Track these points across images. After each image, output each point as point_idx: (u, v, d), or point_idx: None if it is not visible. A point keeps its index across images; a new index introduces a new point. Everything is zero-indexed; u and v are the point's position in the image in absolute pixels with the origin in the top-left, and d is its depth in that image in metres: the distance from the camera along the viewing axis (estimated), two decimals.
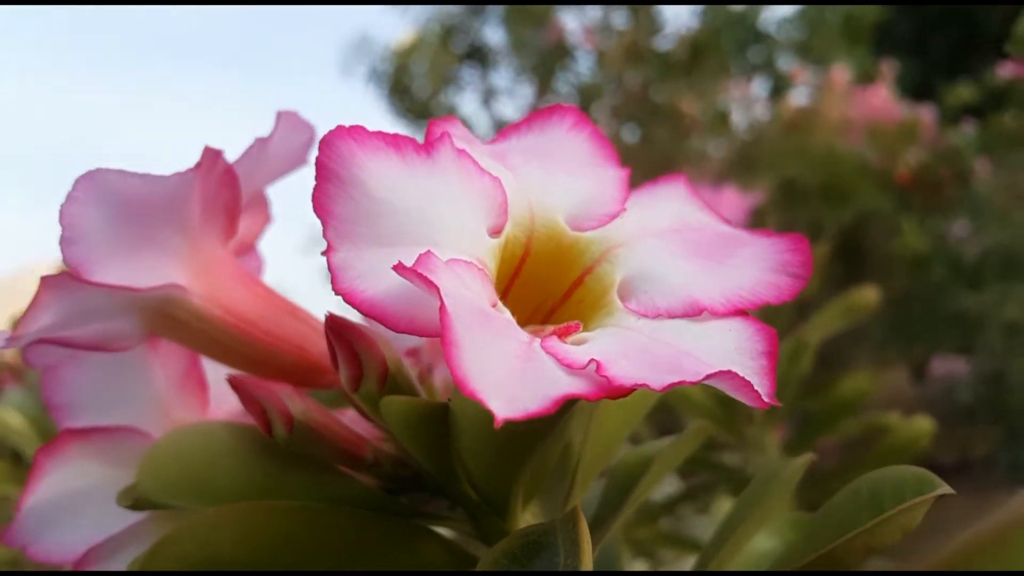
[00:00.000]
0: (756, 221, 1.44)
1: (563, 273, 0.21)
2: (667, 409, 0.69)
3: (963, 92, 3.62)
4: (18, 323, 0.23)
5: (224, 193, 0.24)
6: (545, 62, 2.38)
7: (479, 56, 2.62)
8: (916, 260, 2.55)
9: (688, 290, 0.20)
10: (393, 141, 0.20)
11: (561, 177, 0.21)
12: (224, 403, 0.31)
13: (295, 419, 0.24)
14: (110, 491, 0.28)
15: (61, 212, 0.21)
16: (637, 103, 2.52)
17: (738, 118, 2.87)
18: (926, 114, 3.23)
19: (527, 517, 0.26)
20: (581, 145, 0.22)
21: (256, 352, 0.25)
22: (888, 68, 3.59)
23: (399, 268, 0.17)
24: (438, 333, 0.19)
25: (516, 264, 0.21)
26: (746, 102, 2.73)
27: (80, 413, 0.28)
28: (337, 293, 0.19)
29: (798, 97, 2.96)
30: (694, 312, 0.19)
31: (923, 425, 0.67)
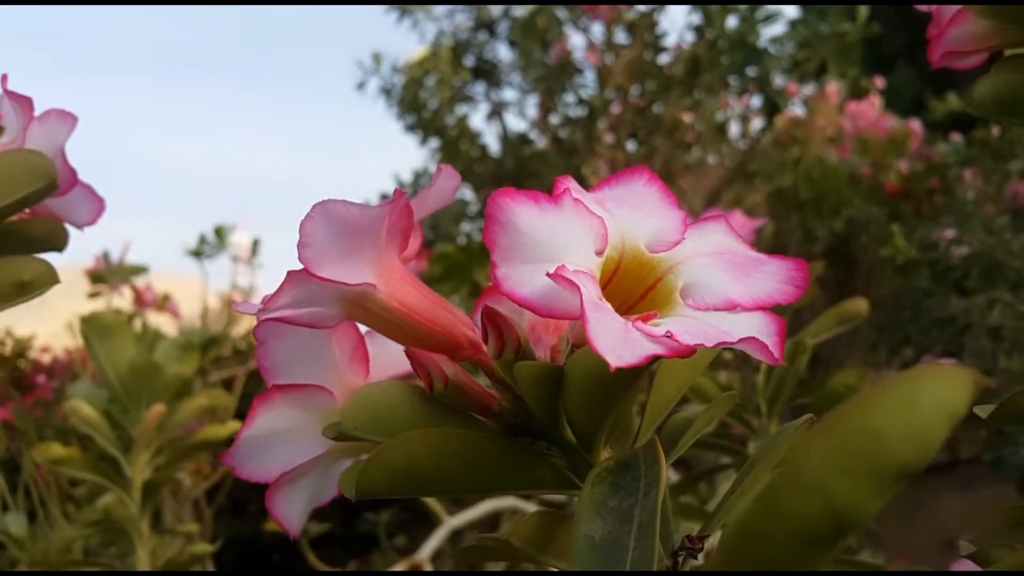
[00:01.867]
0: (756, 237, 1.54)
1: (642, 280, 0.32)
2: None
3: (950, 104, 3.73)
4: (268, 302, 0.33)
5: (403, 221, 0.35)
6: (551, 79, 2.50)
7: (487, 72, 2.73)
8: (905, 266, 2.64)
9: (727, 293, 0.31)
10: (533, 196, 0.31)
11: (641, 217, 0.32)
12: (379, 371, 0.42)
13: (449, 379, 0.35)
14: (301, 431, 0.39)
15: (301, 225, 0.32)
16: (639, 116, 2.63)
17: (736, 130, 2.97)
18: (915, 126, 3.34)
19: (605, 454, 0.37)
20: (654, 195, 0.33)
21: (419, 332, 0.36)
22: (879, 81, 3.71)
23: (552, 276, 0.28)
24: (567, 316, 0.29)
25: (611, 274, 0.32)
26: (745, 114, 2.84)
27: (282, 373, 0.39)
28: (502, 294, 0.30)
29: (792, 109, 3.07)
30: (730, 307, 0.30)
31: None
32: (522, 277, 0.30)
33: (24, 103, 0.48)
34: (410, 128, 2.75)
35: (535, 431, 0.37)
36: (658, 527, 0.26)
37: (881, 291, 3.01)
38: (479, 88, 2.76)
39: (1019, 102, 0.44)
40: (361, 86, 2.76)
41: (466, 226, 2.75)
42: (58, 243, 0.50)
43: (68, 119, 0.49)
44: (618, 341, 0.27)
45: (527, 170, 2.58)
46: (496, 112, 2.73)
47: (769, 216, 2.92)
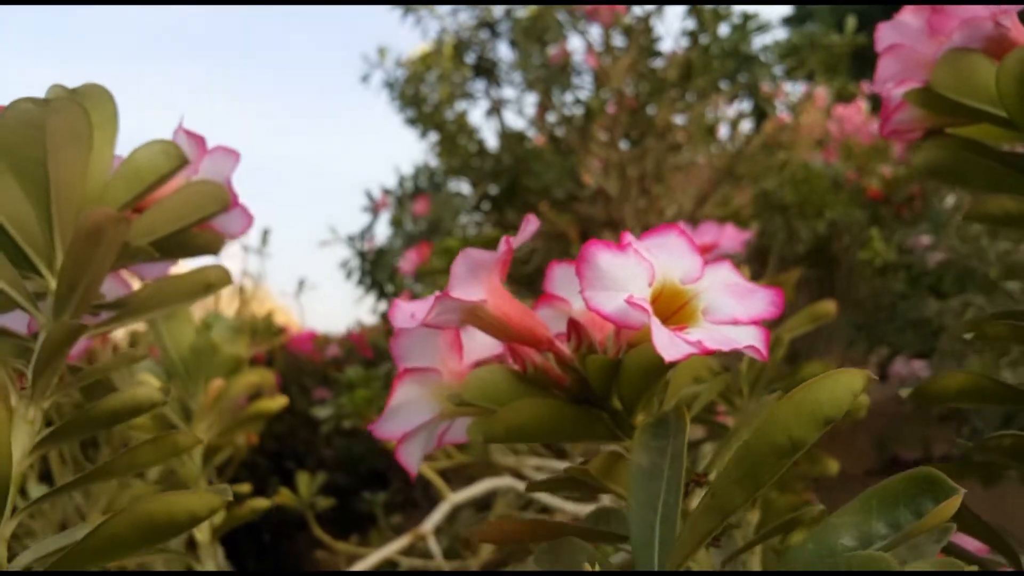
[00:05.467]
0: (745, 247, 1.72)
1: (675, 302, 0.49)
2: None
3: None
4: (425, 315, 0.50)
5: (505, 256, 0.52)
6: (550, 79, 2.67)
7: (488, 70, 2.90)
8: (883, 269, 2.81)
9: (732, 313, 0.48)
10: (608, 246, 0.48)
11: (675, 260, 0.50)
12: (469, 356, 0.59)
13: (537, 364, 0.52)
14: (419, 401, 0.56)
15: (453, 266, 0.49)
16: (633, 117, 2.81)
17: (725, 132, 3.15)
18: None
19: (641, 417, 0.54)
20: (684, 245, 0.50)
21: (513, 332, 0.53)
22: (866, 86, 3.90)
23: (629, 302, 0.45)
24: (633, 327, 0.47)
25: (655, 298, 0.49)
26: (734, 119, 3.02)
27: (408, 359, 0.56)
28: (590, 310, 0.47)
29: (780, 113, 3.25)
30: (734, 323, 0.48)
31: (860, 399, 0.96)
32: (603, 300, 0.47)
33: (198, 141, 0.65)
34: (411, 122, 2.91)
35: (592, 401, 0.54)
36: (684, 458, 0.44)
37: (860, 292, 3.21)
38: (479, 85, 2.93)
39: (941, 169, 0.62)
40: (365, 78, 2.92)
41: (463, 218, 2.92)
42: (217, 250, 0.67)
43: (232, 155, 0.65)
44: (670, 344, 0.44)
45: (524, 166, 2.75)
46: (495, 109, 2.89)
47: (754, 217, 3.10)
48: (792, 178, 3.00)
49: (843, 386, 0.35)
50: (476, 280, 0.51)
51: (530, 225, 0.54)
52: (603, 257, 0.47)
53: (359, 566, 1.73)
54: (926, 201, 3.04)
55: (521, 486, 1.91)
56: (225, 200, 0.62)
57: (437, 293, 0.51)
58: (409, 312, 0.56)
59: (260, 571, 3.14)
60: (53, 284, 0.55)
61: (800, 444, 0.35)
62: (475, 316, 0.53)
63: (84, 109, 0.54)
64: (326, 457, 3.25)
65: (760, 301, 0.49)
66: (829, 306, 1.07)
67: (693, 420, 0.94)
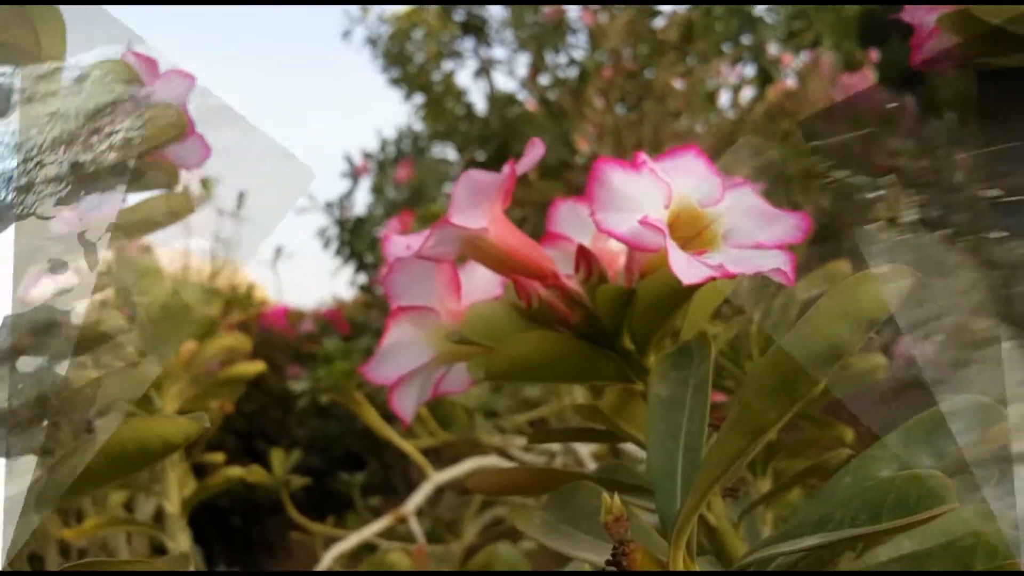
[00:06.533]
0: None
1: (694, 226, 0.48)
2: None
3: None
4: (420, 245, 0.49)
5: (508, 183, 0.50)
6: (543, 37, 2.64)
7: (477, 28, 2.87)
8: None
9: (755, 237, 0.46)
10: (622, 164, 0.46)
11: (694, 182, 0.48)
12: (467, 297, 0.57)
13: (542, 297, 0.51)
14: (415, 342, 0.55)
15: (453, 189, 0.48)
16: (630, 80, 2.79)
17: (726, 99, 3.13)
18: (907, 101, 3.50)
19: (654, 358, 0.53)
20: (701, 166, 0.49)
21: (516, 265, 0.52)
22: (873, 54, 3.89)
23: (643, 222, 0.43)
24: (647, 249, 0.45)
25: (672, 221, 0.48)
26: (736, 84, 3.00)
27: (403, 297, 0.54)
28: (601, 232, 0.45)
29: (784, 80, 3.23)
30: (757, 247, 0.46)
31: (878, 360, 0.95)
32: (616, 221, 0.45)
33: (150, 64, 0.63)
34: (395, 82, 2.88)
35: (601, 340, 0.52)
36: (709, 388, 0.42)
37: (864, 269, 3.20)
38: (468, 44, 2.90)
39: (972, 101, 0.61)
40: (347, 35, 2.89)
41: (449, 186, 2.90)
42: (173, 183, 0.65)
43: (188, 79, 0.63)
44: (688, 266, 0.42)
45: (513, 131, 2.73)
46: (484, 70, 2.87)
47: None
48: (796, 147, 2.98)
49: (888, 285, 0.33)
50: (478, 206, 0.50)
51: (535, 150, 0.53)
52: (617, 176, 0.46)
53: (337, 548, 1.72)
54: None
55: (506, 464, 1.90)
56: (182, 125, 0.60)
57: (440, 219, 0.49)
58: (404, 244, 0.54)
59: (258, 571, 3.13)
60: None
61: (841, 349, 0.33)
62: (475, 247, 0.51)
63: (33, 26, 0.51)
64: (299, 437, 3.23)
65: (785, 224, 0.47)
66: (843, 266, 1.05)
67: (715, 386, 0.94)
